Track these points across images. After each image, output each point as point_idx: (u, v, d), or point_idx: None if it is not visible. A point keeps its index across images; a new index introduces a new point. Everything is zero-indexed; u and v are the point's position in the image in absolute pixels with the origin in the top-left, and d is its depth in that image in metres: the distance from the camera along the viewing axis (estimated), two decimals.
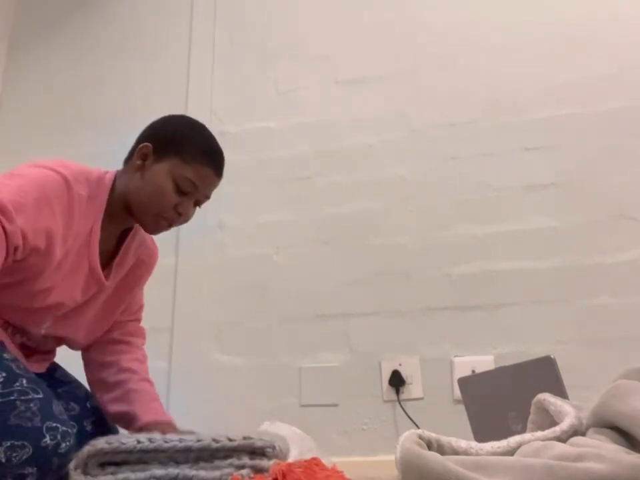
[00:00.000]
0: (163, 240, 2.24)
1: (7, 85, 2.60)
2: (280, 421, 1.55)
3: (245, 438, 0.99)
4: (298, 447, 1.41)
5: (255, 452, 0.98)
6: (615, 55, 1.98)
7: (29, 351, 1.22)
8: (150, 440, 0.97)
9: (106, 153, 2.44)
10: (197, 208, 1.26)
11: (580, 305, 1.79)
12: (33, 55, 2.62)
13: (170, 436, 1.00)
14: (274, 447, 0.99)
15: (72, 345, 1.31)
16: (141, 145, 1.20)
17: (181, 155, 1.17)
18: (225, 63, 2.35)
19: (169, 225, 1.22)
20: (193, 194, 1.20)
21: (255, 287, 2.04)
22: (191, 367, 2.00)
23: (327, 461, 1.43)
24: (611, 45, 2.00)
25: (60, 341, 1.28)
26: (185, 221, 1.24)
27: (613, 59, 1.98)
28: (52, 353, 1.32)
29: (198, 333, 2.03)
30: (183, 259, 2.12)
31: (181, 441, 0.98)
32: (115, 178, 1.22)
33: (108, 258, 1.24)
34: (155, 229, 1.22)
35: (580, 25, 2.04)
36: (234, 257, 2.10)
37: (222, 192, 2.19)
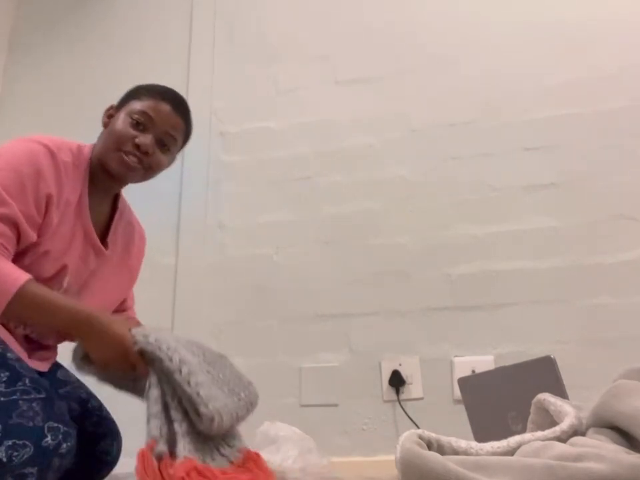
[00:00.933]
0: (163, 240, 2.25)
1: (6, 84, 2.60)
2: (280, 421, 1.55)
3: (196, 395, 0.96)
4: (298, 447, 1.41)
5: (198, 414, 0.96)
6: (615, 55, 1.98)
7: (32, 345, 1.22)
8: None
9: None
10: (167, 154, 1.25)
11: (580, 305, 1.79)
12: (33, 54, 2.62)
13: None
14: (212, 421, 0.96)
15: None
16: (107, 108, 1.28)
17: (135, 97, 1.23)
18: (225, 62, 2.35)
19: (133, 161, 1.19)
20: (150, 127, 1.20)
21: (255, 287, 2.04)
22: None
23: (327, 460, 1.43)
24: (611, 45, 2.00)
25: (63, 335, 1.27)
26: (151, 162, 1.21)
27: (612, 59, 1.98)
28: (54, 350, 1.32)
29: (198, 333, 2.03)
30: (182, 259, 2.12)
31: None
32: (93, 149, 1.26)
33: (102, 232, 1.28)
34: (120, 167, 1.19)
35: (580, 24, 2.04)
36: (234, 256, 2.10)
37: (222, 192, 2.21)
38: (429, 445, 0.69)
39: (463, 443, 0.71)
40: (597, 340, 1.74)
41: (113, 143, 1.19)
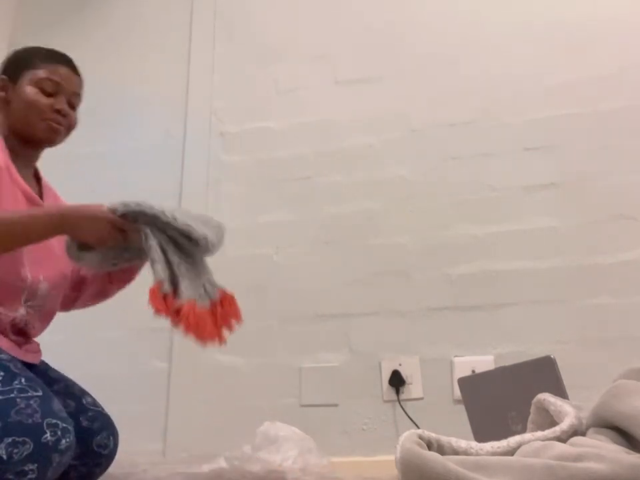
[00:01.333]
0: None
1: None
2: (280, 421, 1.55)
3: (186, 224, 1.10)
4: (298, 447, 1.41)
5: (191, 239, 1.12)
6: (615, 55, 1.98)
7: (20, 337, 1.23)
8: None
9: (105, 152, 2.45)
10: (75, 111, 1.35)
11: (580, 304, 1.79)
12: None
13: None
14: (206, 239, 1.12)
15: (51, 303, 1.31)
16: None
17: (31, 67, 1.28)
18: (225, 62, 2.35)
19: (60, 125, 1.29)
20: (59, 91, 1.29)
21: (255, 286, 2.04)
22: (191, 367, 2.00)
23: (327, 460, 1.44)
24: (611, 45, 2.00)
25: (42, 312, 1.28)
26: (70, 122, 1.32)
27: (612, 59, 1.98)
28: (37, 345, 1.32)
29: None
30: None
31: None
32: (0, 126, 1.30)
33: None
34: (49, 134, 1.29)
35: (580, 24, 2.04)
36: (234, 257, 2.10)
37: (222, 192, 2.21)
38: (429, 445, 0.69)
39: (463, 443, 0.70)
40: (597, 340, 1.74)
41: (34, 115, 1.26)
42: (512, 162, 1.97)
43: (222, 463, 1.39)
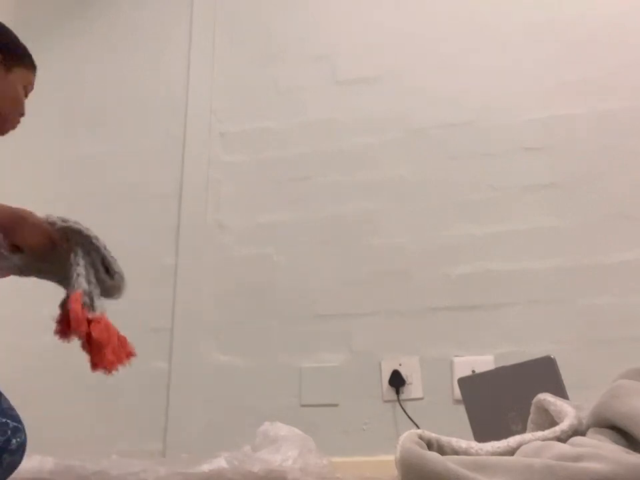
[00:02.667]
0: (163, 240, 2.25)
1: None
2: (280, 421, 1.55)
3: (112, 256, 1.17)
4: (298, 447, 1.41)
5: (108, 272, 1.18)
6: (614, 55, 1.98)
7: None
8: None
9: (106, 153, 2.45)
10: None
11: (580, 304, 1.79)
12: (33, 55, 2.61)
13: None
14: (122, 276, 1.18)
15: None
16: None
17: (25, 64, 1.27)
18: (225, 62, 2.35)
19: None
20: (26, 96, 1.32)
21: (255, 287, 2.04)
22: (191, 367, 2.00)
23: (327, 460, 1.44)
24: (611, 45, 2.00)
25: None
26: None
27: (612, 59, 1.98)
28: None
29: (198, 332, 2.03)
30: (182, 259, 2.12)
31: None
32: None
33: None
34: (12, 128, 1.33)
35: (580, 24, 2.04)
36: (234, 256, 2.10)
37: (222, 192, 2.21)
38: (429, 445, 0.69)
39: (463, 443, 0.70)
40: (597, 340, 1.74)
41: (14, 114, 1.28)
42: (512, 162, 1.97)
43: (222, 463, 1.38)
